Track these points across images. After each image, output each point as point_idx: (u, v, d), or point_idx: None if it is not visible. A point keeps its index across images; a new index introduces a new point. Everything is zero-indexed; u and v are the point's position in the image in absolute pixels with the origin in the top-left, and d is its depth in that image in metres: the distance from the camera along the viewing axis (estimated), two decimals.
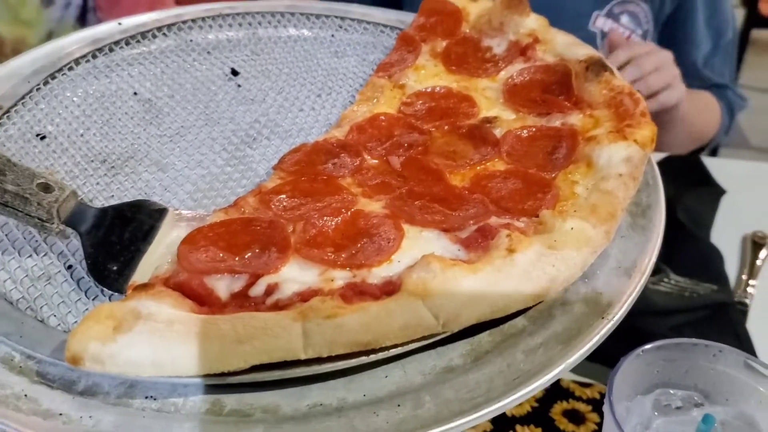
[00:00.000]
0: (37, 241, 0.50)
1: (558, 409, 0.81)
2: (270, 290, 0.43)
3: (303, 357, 0.39)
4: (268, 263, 0.44)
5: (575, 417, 0.80)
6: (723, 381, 0.58)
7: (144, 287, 0.42)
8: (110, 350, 0.38)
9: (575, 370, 0.87)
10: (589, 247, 0.45)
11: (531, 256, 0.43)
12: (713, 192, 1.12)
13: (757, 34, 3.30)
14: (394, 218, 0.48)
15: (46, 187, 0.47)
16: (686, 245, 1.01)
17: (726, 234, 1.04)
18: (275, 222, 0.48)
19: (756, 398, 0.57)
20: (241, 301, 0.42)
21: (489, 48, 0.67)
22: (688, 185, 1.12)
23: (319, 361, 0.40)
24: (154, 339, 0.38)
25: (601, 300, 0.45)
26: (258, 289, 0.43)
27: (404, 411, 0.39)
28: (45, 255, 0.49)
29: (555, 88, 0.61)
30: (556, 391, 0.83)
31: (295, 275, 0.44)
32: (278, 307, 0.41)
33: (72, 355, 0.38)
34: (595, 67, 0.59)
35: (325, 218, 0.48)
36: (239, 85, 0.68)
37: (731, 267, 0.99)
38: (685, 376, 0.59)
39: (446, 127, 0.59)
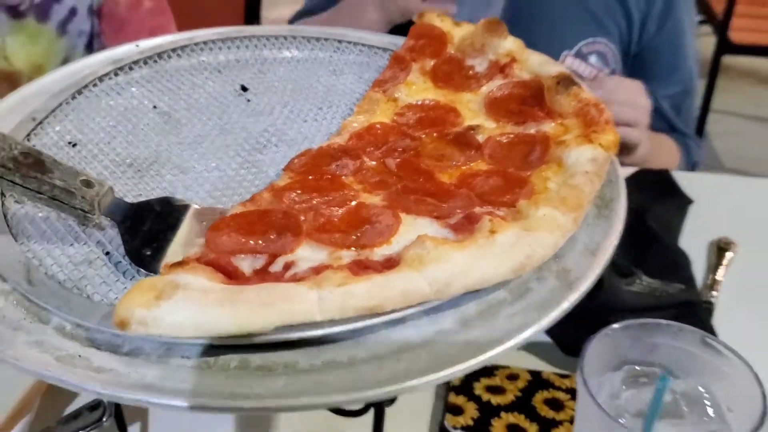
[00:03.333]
0: (76, 232, 0.57)
1: (539, 397, 0.88)
2: (287, 266, 0.50)
3: (318, 319, 0.46)
4: (284, 245, 0.52)
5: (555, 404, 0.87)
6: (683, 357, 0.65)
7: (179, 264, 0.48)
8: (154, 314, 0.45)
9: (554, 363, 0.94)
10: (559, 231, 0.53)
11: (510, 236, 0.50)
12: (681, 202, 1.21)
13: (728, 60, 3.44)
14: (392, 208, 0.56)
15: (88, 183, 0.55)
16: (656, 250, 1.09)
17: (693, 240, 1.12)
18: (288, 212, 0.55)
19: (711, 371, 0.64)
20: (263, 275, 0.49)
21: (472, 67, 0.75)
22: (658, 196, 1.21)
23: (331, 324, 0.47)
24: (192, 304, 0.45)
25: (570, 276, 0.53)
26: (277, 267, 0.50)
27: (404, 364, 0.46)
28: (84, 244, 0.56)
29: (530, 100, 0.69)
30: (537, 382, 0.90)
31: (307, 255, 0.51)
32: (296, 279, 0.48)
33: (120, 320, 0.45)
34: (565, 82, 0.67)
35: (331, 209, 0.56)
36: (249, 100, 0.75)
37: (698, 270, 1.07)
38: (650, 353, 0.66)
39: (435, 134, 0.67)
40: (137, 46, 0.81)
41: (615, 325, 0.64)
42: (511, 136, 0.65)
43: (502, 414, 0.85)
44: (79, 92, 0.73)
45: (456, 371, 0.44)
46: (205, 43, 0.82)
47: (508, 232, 0.51)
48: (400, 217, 0.55)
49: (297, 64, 0.82)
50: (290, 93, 0.77)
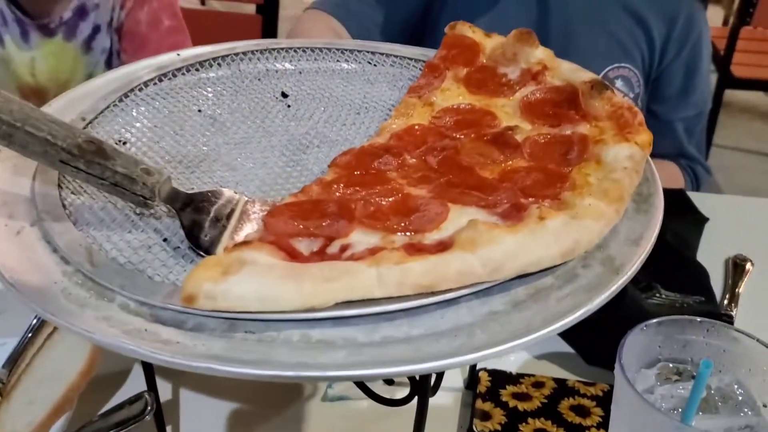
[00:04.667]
0: (133, 221, 0.59)
1: (565, 404, 0.89)
2: (343, 249, 0.52)
3: (377, 295, 0.48)
4: (338, 230, 0.54)
5: (581, 411, 0.88)
6: (716, 353, 0.66)
7: (244, 243, 0.50)
8: (222, 288, 0.46)
9: (580, 372, 0.95)
10: (604, 220, 0.55)
11: (558, 222, 0.52)
12: (697, 220, 1.23)
13: (730, 95, 3.50)
14: (439, 199, 0.58)
15: (148, 171, 0.57)
16: (675, 265, 1.11)
17: (710, 257, 1.14)
18: (341, 201, 0.57)
19: (746, 367, 0.65)
20: (322, 256, 0.51)
21: (504, 74, 0.78)
22: (675, 214, 1.23)
23: (388, 301, 0.48)
24: (258, 279, 0.47)
25: (615, 262, 0.54)
26: (333, 249, 0.52)
27: (461, 340, 0.47)
28: (142, 231, 0.58)
29: (564, 104, 0.72)
30: (563, 390, 0.91)
31: (361, 239, 0.53)
32: (354, 258, 0.50)
33: (188, 294, 0.47)
34: (599, 87, 0.70)
35: (379, 199, 0.58)
36: (289, 106, 0.78)
37: (715, 286, 1.09)
38: (683, 350, 0.68)
39: (473, 135, 0.69)
40: (178, 55, 0.84)
41: (650, 322, 0.66)
42: (548, 136, 0.68)
43: (529, 420, 0.86)
44: (126, 95, 0.76)
45: (515, 345, 0.46)
46: (244, 53, 0.85)
47: (557, 218, 0.53)
48: (448, 206, 0.57)
49: (333, 73, 0.85)
50: (328, 100, 0.79)
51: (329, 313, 0.48)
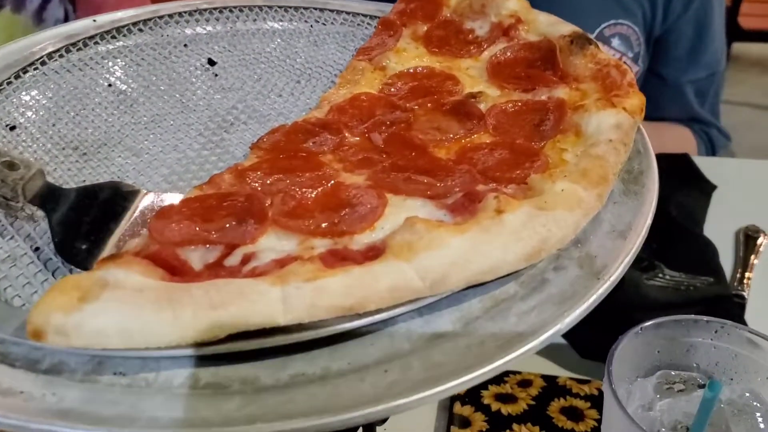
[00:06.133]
0: (3, 225, 0.48)
1: (555, 406, 0.79)
2: (246, 259, 0.40)
3: (282, 323, 0.37)
4: (244, 234, 0.42)
5: (574, 414, 0.78)
6: (726, 358, 0.56)
7: (111, 257, 0.39)
8: (75, 321, 0.35)
9: (572, 367, 0.85)
10: (581, 209, 0.43)
11: (521, 216, 0.41)
12: (704, 188, 1.11)
13: (738, 48, 3.34)
14: (376, 188, 0.46)
15: (11, 165, 0.45)
16: (680, 241, 0.99)
17: (719, 229, 1.03)
18: (252, 195, 0.46)
19: (762, 374, 0.55)
20: (216, 270, 0.40)
21: (471, 30, 0.66)
22: (679, 182, 1.11)
23: (300, 329, 0.37)
24: (122, 307, 0.36)
25: (595, 263, 0.43)
26: (234, 259, 0.41)
27: (392, 376, 0.36)
28: (11, 238, 0.47)
29: (540, 64, 0.60)
30: (553, 389, 0.80)
31: (273, 245, 0.42)
32: (255, 274, 0.39)
33: (34, 329, 0.36)
34: (580, 41, 0.58)
35: (304, 190, 0.46)
36: (216, 75, 0.66)
37: (725, 261, 0.97)
38: (686, 355, 0.57)
39: (429, 105, 0.58)
40: (94, 21, 0.72)
41: (647, 323, 0.55)
42: (519, 103, 0.56)
43: (514, 426, 0.76)
44: (24, 71, 0.64)
45: (457, 384, 0.35)
46: (170, 16, 0.73)
47: (519, 211, 0.41)
48: (386, 198, 0.45)
49: (273, 35, 0.73)
50: (264, 66, 0.68)
51: (222, 348, 0.37)
